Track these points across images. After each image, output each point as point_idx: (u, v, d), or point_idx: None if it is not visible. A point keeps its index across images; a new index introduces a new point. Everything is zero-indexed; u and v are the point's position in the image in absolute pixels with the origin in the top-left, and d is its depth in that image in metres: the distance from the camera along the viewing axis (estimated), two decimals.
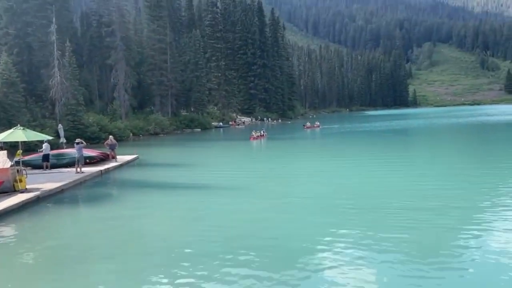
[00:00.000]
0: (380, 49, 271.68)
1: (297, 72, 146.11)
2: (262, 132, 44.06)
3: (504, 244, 8.47)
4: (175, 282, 7.15)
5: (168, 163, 26.52)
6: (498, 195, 13.39)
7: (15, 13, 45.63)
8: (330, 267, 7.57)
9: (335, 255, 8.22)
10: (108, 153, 25.74)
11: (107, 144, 26.37)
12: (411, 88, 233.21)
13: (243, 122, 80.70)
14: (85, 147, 22.68)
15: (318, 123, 64.77)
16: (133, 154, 28.21)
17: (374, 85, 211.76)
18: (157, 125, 55.43)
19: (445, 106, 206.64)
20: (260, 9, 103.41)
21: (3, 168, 15.39)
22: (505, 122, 62.08)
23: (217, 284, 6.96)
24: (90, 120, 43.50)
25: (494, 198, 12.97)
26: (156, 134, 54.38)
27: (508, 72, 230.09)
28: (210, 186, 17.30)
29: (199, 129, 63.45)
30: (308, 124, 61.20)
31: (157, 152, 35.45)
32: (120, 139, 41.54)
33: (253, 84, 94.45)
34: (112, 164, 23.99)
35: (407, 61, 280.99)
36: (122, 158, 26.11)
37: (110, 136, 27.62)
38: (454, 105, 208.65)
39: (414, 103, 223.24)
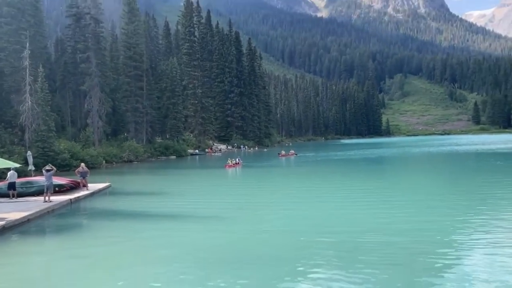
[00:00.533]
0: (354, 80, 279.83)
1: (273, 101, 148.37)
2: (237, 160, 43.89)
3: (477, 281, 8.54)
4: None
5: (142, 192, 25.92)
6: (471, 227, 13.61)
7: None
8: None
9: None
10: (79, 181, 25.01)
11: (78, 171, 25.62)
12: (384, 118, 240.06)
13: (220, 150, 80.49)
14: (55, 174, 21.94)
15: (293, 151, 65.16)
16: (105, 182, 27.49)
17: (348, 114, 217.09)
18: (131, 152, 54.50)
19: (417, 135, 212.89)
20: (237, 39, 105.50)
21: None
22: (473, 151, 64.16)
23: None
24: (61, 147, 42.39)
25: (466, 231, 13.22)
26: (130, 161, 53.41)
27: (475, 103, 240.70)
28: (184, 217, 16.92)
29: (174, 157, 62.76)
30: (283, 152, 61.38)
31: (130, 180, 34.66)
32: (92, 166, 40.63)
33: (230, 111, 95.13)
34: (82, 193, 23.25)
35: (380, 91, 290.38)
36: (93, 186, 25.39)
37: (82, 164, 26.93)
38: (425, 134, 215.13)
39: (387, 132, 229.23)
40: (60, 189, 22.86)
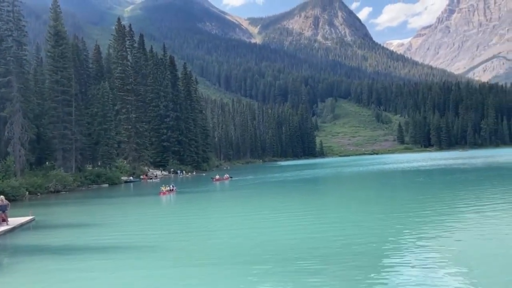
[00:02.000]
0: (288, 103, 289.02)
1: (211, 125, 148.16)
2: (171, 186, 42.72)
3: None
4: None
5: (70, 224, 24.18)
6: (401, 242, 14.31)
7: None
8: None
9: None
10: None
11: None
12: (318, 139, 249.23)
13: (156, 176, 78.02)
14: None
15: (228, 175, 64.80)
16: (28, 216, 25.35)
17: (284, 137, 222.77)
18: (58, 181, 50.84)
19: (348, 155, 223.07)
20: (172, 63, 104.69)
21: None
22: (400, 170, 68.43)
23: None
24: None
25: (398, 245, 13.92)
26: (58, 191, 49.83)
27: (399, 125, 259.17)
28: (113, 250, 16.03)
29: (107, 185, 59.72)
30: (217, 176, 60.80)
31: (57, 212, 32.26)
32: (13, 199, 37.50)
33: (166, 136, 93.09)
34: (2, 228, 21.19)
35: (313, 114, 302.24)
36: (14, 221, 23.27)
37: (1, 196, 24.67)
38: (356, 154, 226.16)
39: (321, 153, 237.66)
40: None
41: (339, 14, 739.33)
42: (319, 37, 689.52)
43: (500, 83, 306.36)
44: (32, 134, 52.91)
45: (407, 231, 16.24)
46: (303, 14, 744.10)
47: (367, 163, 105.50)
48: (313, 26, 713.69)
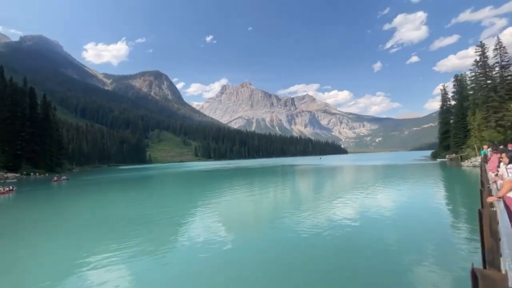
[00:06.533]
0: (129, 130, 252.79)
1: (66, 140, 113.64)
2: (11, 187, 29.50)
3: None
4: None
5: None
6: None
7: None
8: None
9: None
10: None
11: None
12: (148, 153, 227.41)
13: (7, 177, 53.67)
14: None
15: (65, 177, 49.48)
16: None
17: (125, 150, 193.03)
18: None
19: (167, 163, 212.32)
20: (32, 92, 76.10)
21: None
22: (194, 171, 69.13)
23: None
24: None
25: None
26: None
27: (195, 147, 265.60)
28: None
29: None
30: (55, 178, 45.69)
31: None
32: None
33: (20, 146, 66.14)
34: None
35: (146, 138, 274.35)
36: None
37: None
38: (172, 162, 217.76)
39: (150, 161, 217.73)
40: None
41: (165, 82, 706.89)
42: (152, 93, 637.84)
43: (241, 129, 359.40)
44: None
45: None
46: (142, 78, 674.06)
47: (179, 166, 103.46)
48: (148, 87, 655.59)
